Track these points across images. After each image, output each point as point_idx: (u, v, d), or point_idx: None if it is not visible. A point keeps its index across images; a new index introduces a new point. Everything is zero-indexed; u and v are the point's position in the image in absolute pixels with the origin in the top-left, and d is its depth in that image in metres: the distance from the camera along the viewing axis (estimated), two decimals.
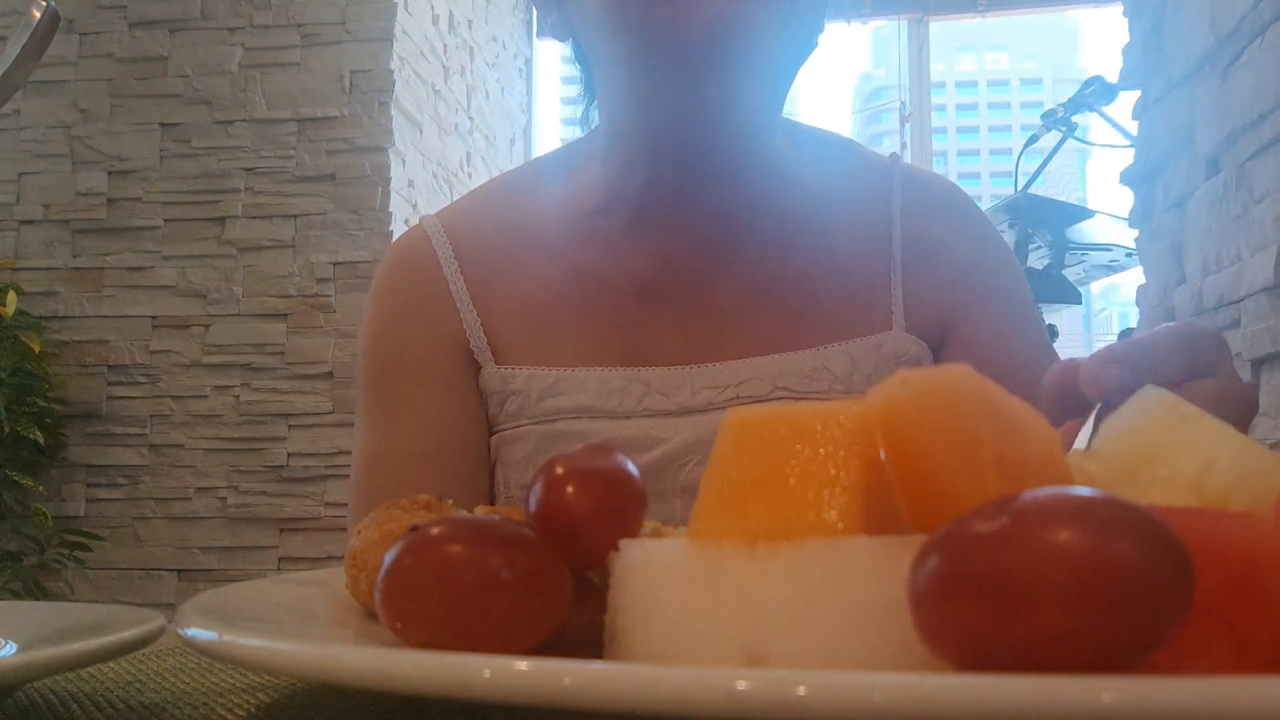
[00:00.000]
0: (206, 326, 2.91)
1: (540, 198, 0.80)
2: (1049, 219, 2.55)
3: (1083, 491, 0.23)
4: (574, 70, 0.82)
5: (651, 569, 0.30)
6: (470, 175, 3.55)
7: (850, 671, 0.23)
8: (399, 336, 0.78)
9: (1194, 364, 0.47)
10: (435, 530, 0.30)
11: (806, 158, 0.78)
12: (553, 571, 0.31)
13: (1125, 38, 2.31)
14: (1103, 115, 2.60)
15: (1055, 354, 0.81)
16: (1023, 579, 0.22)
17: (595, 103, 0.81)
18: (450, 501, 0.47)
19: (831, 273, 0.76)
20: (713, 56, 0.64)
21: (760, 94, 0.69)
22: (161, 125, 2.98)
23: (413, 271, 0.79)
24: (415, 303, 0.78)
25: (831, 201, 0.77)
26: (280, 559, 2.84)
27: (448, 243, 0.78)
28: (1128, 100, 2.35)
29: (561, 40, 0.76)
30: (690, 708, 0.22)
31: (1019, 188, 2.68)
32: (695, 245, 0.74)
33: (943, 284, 0.77)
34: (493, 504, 0.76)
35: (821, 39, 0.73)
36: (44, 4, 0.54)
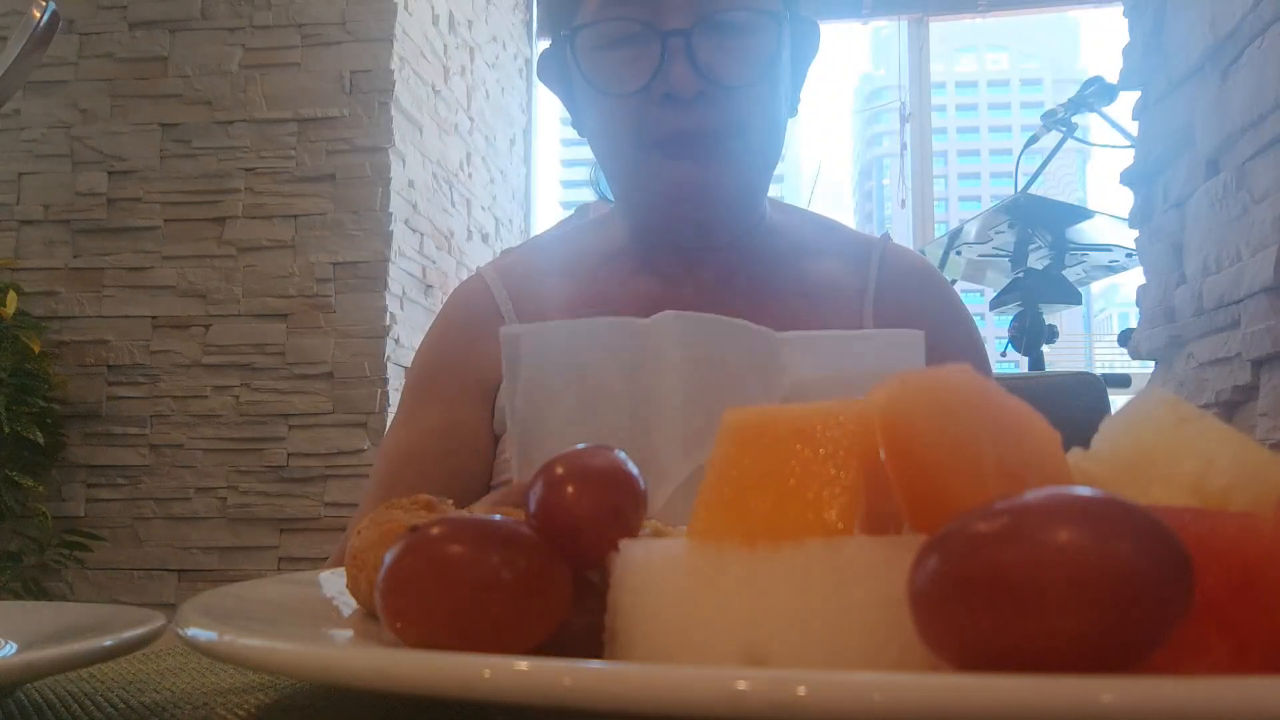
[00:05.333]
0: (206, 326, 2.91)
1: (575, 239, 0.99)
2: (1049, 219, 2.54)
3: (1083, 491, 0.23)
4: None
5: (651, 569, 0.30)
6: (470, 175, 3.55)
7: (850, 671, 0.23)
8: (444, 349, 0.93)
9: None
10: (435, 530, 0.30)
11: (791, 227, 0.95)
12: (553, 571, 0.31)
13: (1125, 38, 2.31)
14: (1103, 115, 2.59)
15: None
16: (1023, 579, 0.22)
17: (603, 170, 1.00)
18: (450, 501, 0.47)
19: (809, 309, 0.89)
20: (682, 207, 0.84)
21: (735, 208, 0.88)
22: (161, 125, 2.98)
23: (468, 301, 0.95)
24: (465, 323, 0.93)
25: (805, 256, 0.93)
26: (280, 559, 2.84)
27: (495, 273, 0.95)
28: (1128, 100, 2.34)
29: (582, 137, 0.93)
30: (690, 708, 0.22)
31: (1019, 188, 2.68)
32: (692, 288, 0.89)
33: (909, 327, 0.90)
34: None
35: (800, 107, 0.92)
36: (44, 4, 0.54)
